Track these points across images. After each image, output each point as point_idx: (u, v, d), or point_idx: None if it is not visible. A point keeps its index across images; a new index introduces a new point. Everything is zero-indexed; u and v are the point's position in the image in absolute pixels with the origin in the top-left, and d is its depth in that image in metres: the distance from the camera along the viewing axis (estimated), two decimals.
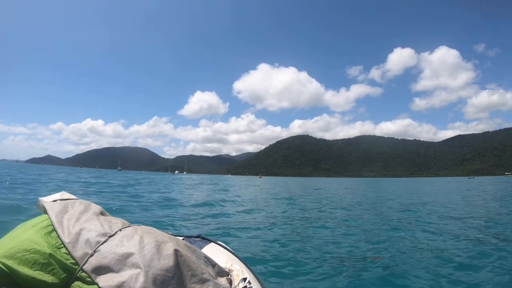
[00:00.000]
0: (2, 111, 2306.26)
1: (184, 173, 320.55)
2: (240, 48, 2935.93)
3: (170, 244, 1.51)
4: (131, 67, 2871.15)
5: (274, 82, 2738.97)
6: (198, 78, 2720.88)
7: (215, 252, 2.01)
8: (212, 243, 2.16)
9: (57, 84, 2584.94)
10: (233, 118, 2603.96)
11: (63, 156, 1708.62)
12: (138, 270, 1.37)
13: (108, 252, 1.44)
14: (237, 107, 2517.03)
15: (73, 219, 1.60)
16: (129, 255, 1.42)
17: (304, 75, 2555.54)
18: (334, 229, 10.67)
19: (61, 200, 1.82)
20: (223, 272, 1.70)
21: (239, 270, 1.80)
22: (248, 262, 2.00)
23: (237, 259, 2.02)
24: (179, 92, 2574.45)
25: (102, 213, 1.77)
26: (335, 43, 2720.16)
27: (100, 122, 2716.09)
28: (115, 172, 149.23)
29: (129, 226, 1.64)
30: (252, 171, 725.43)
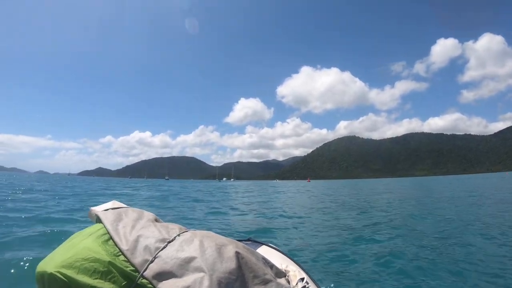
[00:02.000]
0: (54, 128, 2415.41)
1: (232, 180, 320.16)
2: (281, 53, 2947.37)
3: (230, 246, 1.52)
4: (174, 79, 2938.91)
5: (317, 84, 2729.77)
6: (241, 85, 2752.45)
7: (268, 253, 1.99)
8: (263, 245, 2.16)
9: (104, 101, 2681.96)
10: (279, 123, 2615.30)
11: (113, 168, 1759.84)
12: (202, 274, 1.37)
13: (169, 257, 1.45)
14: (282, 111, 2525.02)
15: (128, 227, 1.62)
16: (191, 259, 1.44)
17: (347, 75, 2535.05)
18: (394, 236, 9.39)
19: (112, 208, 1.85)
20: (280, 273, 1.69)
21: (295, 271, 1.80)
22: (301, 263, 2.00)
23: (290, 260, 2.02)
24: (224, 100, 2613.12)
25: (156, 220, 1.80)
26: (376, 40, 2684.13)
27: (147, 133, 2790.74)
28: (163, 181, 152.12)
29: (187, 231, 1.67)
30: (299, 175, 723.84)
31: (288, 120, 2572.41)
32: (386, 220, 12.63)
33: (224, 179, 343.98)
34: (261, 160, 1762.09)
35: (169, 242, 1.54)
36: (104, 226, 1.63)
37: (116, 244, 1.52)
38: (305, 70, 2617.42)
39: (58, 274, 1.35)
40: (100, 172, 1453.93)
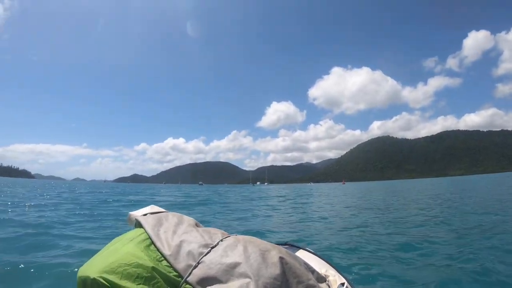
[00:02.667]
0: (90, 137, 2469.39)
1: (265, 184, 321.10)
2: (311, 54, 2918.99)
3: (274, 252, 1.50)
4: (205, 86, 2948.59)
5: (348, 84, 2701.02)
6: (272, 89, 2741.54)
7: (306, 258, 1.96)
8: (301, 250, 2.14)
9: (138, 109, 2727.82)
10: (311, 125, 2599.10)
11: (148, 174, 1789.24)
12: (247, 280, 1.36)
13: (214, 263, 1.43)
14: (314, 114, 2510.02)
15: (169, 232, 1.62)
16: (236, 265, 1.42)
17: (378, 74, 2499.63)
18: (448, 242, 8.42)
19: (151, 213, 1.85)
20: (321, 278, 1.68)
21: (334, 276, 1.77)
22: (339, 268, 1.97)
23: (328, 264, 1.99)
24: (256, 105, 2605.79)
25: (196, 225, 1.79)
26: (406, 36, 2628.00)
27: (181, 140, 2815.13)
28: (196, 187, 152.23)
29: (229, 236, 1.66)
30: (334, 178, 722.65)
31: (321, 122, 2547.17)
32: (435, 224, 11.62)
33: (258, 183, 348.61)
34: (294, 164, 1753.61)
35: (213, 247, 1.53)
36: (145, 231, 1.63)
37: (158, 249, 1.52)
38: (336, 71, 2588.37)
39: (101, 279, 1.35)
40: (136, 178, 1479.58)
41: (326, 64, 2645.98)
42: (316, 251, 2.15)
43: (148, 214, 1.83)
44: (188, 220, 1.79)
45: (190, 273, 1.42)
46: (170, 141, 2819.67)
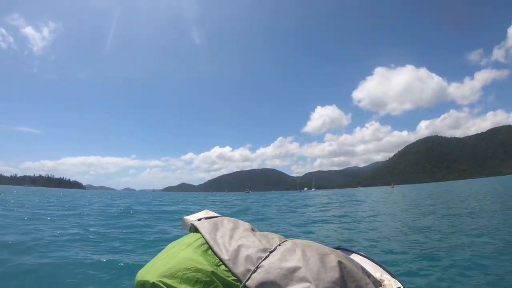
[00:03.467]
0: (138, 149, 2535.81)
1: (313, 189, 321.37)
2: (352, 56, 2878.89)
3: (333, 255, 1.50)
4: (249, 94, 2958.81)
5: (393, 84, 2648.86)
6: (316, 93, 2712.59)
7: (360, 262, 1.87)
8: (354, 254, 2.07)
9: (183, 120, 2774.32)
10: (357, 128, 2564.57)
11: (196, 183, 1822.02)
12: (307, 284, 1.35)
13: (273, 267, 1.43)
14: (359, 116, 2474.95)
15: (226, 236, 1.63)
16: (295, 269, 1.41)
17: (423, 71, 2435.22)
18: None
19: (206, 218, 1.87)
20: (377, 282, 1.63)
21: (390, 280, 1.72)
22: (393, 273, 1.86)
23: (382, 269, 1.92)
24: (300, 110, 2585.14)
25: (252, 229, 1.79)
26: (448, 30, 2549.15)
27: (227, 148, 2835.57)
28: (243, 194, 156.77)
29: (286, 240, 1.65)
30: (382, 181, 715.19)
31: (366, 125, 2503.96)
32: (497, 230, 11.11)
33: (305, 189, 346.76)
34: (341, 168, 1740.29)
35: (271, 251, 1.52)
36: (202, 236, 1.64)
37: (216, 254, 1.53)
38: (379, 71, 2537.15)
39: (161, 284, 1.38)
40: (183, 187, 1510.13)
41: (369, 65, 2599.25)
42: (367, 255, 2.08)
43: (202, 219, 1.85)
44: (243, 224, 1.80)
45: (249, 278, 1.41)
46: (216, 150, 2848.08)
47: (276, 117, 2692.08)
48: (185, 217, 1.94)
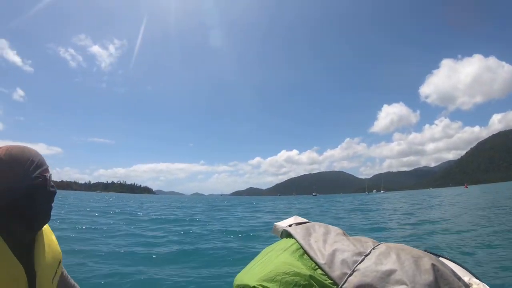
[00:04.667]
0: (206, 154, 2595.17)
1: (381, 191, 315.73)
2: (416, 50, 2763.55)
3: (426, 258, 1.51)
4: (315, 94, 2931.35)
5: (461, 76, 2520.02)
6: (382, 91, 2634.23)
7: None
8: (440, 258, 2.00)
9: (250, 125, 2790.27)
10: (426, 125, 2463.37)
11: (263, 187, 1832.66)
12: (404, 287, 1.37)
13: (369, 270, 1.44)
14: (428, 113, 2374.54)
15: (320, 241, 1.65)
16: (391, 272, 1.43)
17: (492, 60, 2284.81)
18: None
19: (296, 224, 1.92)
20: (467, 286, 1.59)
21: (479, 284, 1.71)
22: (481, 278, 1.86)
23: (469, 273, 1.90)
24: (366, 109, 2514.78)
25: (344, 234, 1.79)
26: None
27: (294, 152, 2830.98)
28: (310, 197, 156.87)
29: (380, 244, 1.66)
30: (454, 181, 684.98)
31: (436, 122, 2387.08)
32: None
33: (374, 191, 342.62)
34: (411, 168, 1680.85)
35: (366, 255, 1.54)
36: (297, 241, 1.67)
37: (311, 258, 1.55)
38: (446, 63, 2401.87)
39: (261, 287, 1.42)
40: (251, 191, 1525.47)
41: (434, 58, 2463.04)
42: (453, 259, 2.08)
43: (293, 225, 1.88)
44: (334, 229, 1.81)
45: (345, 281, 1.43)
46: (283, 154, 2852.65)
47: (342, 118, 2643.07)
48: (276, 223, 1.98)
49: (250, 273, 1.56)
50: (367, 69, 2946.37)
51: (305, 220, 2.00)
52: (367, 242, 1.66)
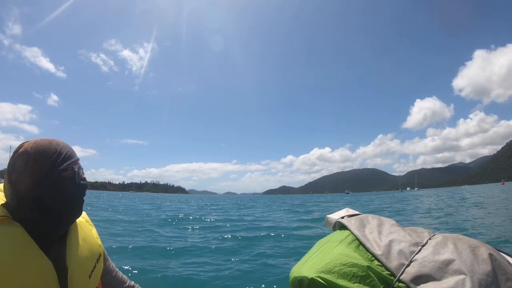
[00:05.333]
0: (239, 154, 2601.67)
1: (415, 189, 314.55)
2: (447, 41, 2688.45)
3: (483, 248, 1.49)
4: (346, 90, 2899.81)
5: (495, 68, 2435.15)
6: (414, 85, 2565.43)
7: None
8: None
9: (282, 123, 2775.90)
10: (461, 120, 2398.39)
11: (296, 186, 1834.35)
12: (462, 276, 1.36)
13: (427, 260, 1.45)
14: (462, 107, 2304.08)
15: (375, 232, 1.65)
16: (449, 261, 1.43)
17: None
18: None
19: (348, 216, 1.91)
20: None
21: None
22: None
23: None
24: (398, 105, 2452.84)
25: (397, 225, 1.79)
26: None
27: (327, 149, 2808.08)
28: (343, 195, 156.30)
29: (435, 234, 1.65)
30: (491, 178, 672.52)
31: (470, 116, 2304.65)
32: None
33: (408, 188, 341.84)
34: (446, 165, 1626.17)
35: (423, 245, 1.53)
36: (352, 233, 1.68)
37: (368, 250, 1.56)
38: (479, 54, 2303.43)
39: (319, 279, 1.42)
40: (284, 190, 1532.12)
41: (466, 49, 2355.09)
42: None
43: (345, 217, 1.89)
44: (388, 220, 1.80)
45: (403, 272, 1.43)
46: (316, 152, 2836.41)
47: (375, 114, 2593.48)
48: (328, 215, 1.99)
49: (307, 265, 1.56)
50: (398, 63, 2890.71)
51: (356, 212, 2.02)
52: (423, 233, 1.66)
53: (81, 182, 1.57)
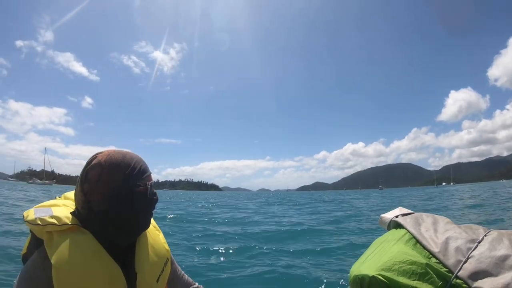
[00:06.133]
0: (272, 150, 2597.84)
1: (451, 184, 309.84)
2: (481, 28, 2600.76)
3: None
4: (377, 83, 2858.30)
5: None
6: (447, 76, 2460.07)
7: None
8: None
9: (314, 119, 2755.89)
10: (497, 111, 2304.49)
11: (330, 181, 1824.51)
12: None
13: (484, 257, 1.45)
14: (498, 97, 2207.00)
15: (431, 230, 1.67)
16: (506, 257, 1.42)
17: None
18: None
19: (402, 215, 1.94)
20: None
21: None
22: None
23: None
24: (432, 97, 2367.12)
25: (452, 222, 1.80)
26: None
27: (360, 144, 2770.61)
28: (376, 191, 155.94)
29: (491, 231, 1.65)
30: None
31: (507, 107, 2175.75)
32: None
33: (444, 183, 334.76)
34: (482, 158, 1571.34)
35: (479, 242, 1.54)
36: (408, 231, 1.71)
37: (425, 247, 1.58)
38: None
39: (380, 277, 1.46)
40: (317, 186, 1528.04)
41: (501, 36, 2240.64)
42: None
43: (399, 216, 1.92)
44: (442, 218, 1.80)
45: (460, 268, 1.45)
46: (349, 147, 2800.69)
47: (408, 107, 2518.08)
48: (382, 215, 2.03)
49: (367, 263, 1.60)
50: (431, 54, 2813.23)
51: (409, 211, 2.03)
52: (478, 229, 1.66)
53: (153, 197, 1.63)
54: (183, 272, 2.08)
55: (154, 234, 1.82)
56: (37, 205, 1.57)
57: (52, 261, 1.37)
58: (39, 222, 1.46)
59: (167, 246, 1.85)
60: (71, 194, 1.71)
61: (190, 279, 2.08)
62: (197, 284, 2.08)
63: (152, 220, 1.78)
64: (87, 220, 1.53)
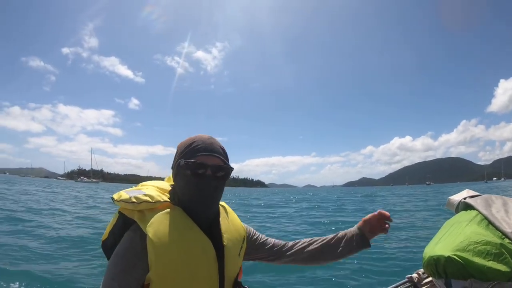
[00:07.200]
0: (317, 146, 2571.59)
1: (502, 179, 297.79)
2: None
3: None
4: (422, 75, 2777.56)
5: None
6: (496, 64, 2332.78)
7: None
8: None
9: (360, 113, 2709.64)
10: None
11: (376, 177, 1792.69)
12: None
13: None
14: None
15: (502, 211, 1.69)
16: None
17: None
18: None
19: (470, 197, 1.98)
20: None
21: None
22: None
23: None
24: (481, 87, 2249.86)
25: None
26: None
27: (408, 138, 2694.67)
28: (424, 187, 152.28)
29: None
30: None
31: None
32: None
33: (494, 179, 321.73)
34: None
35: None
36: (480, 212, 1.73)
37: (497, 228, 1.59)
38: None
39: (456, 257, 1.50)
40: (363, 182, 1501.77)
41: None
42: None
43: (467, 198, 1.97)
44: (510, 200, 1.84)
45: None
46: (396, 141, 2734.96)
47: (457, 98, 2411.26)
48: (450, 197, 2.10)
49: (440, 245, 1.64)
50: (477, 43, 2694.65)
51: (477, 193, 2.07)
52: None
53: (216, 174, 1.63)
54: (263, 235, 2.10)
55: (231, 213, 1.91)
56: (124, 190, 1.65)
57: (148, 233, 1.45)
58: (134, 200, 1.53)
59: (243, 225, 1.94)
60: (149, 182, 1.83)
61: (265, 238, 2.08)
62: (269, 238, 2.08)
63: (226, 205, 1.91)
64: (176, 198, 1.66)
